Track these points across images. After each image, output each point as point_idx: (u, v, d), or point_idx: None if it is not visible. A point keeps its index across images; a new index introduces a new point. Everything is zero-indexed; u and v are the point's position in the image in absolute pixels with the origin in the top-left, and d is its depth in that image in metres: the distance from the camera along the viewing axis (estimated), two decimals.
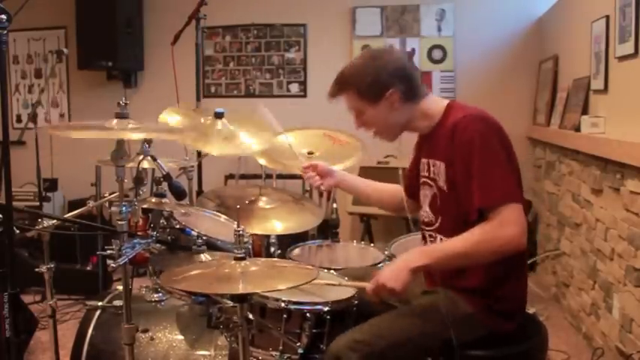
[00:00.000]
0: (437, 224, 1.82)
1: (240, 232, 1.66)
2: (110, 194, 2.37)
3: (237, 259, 1.66)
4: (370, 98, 1.78)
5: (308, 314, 1.83)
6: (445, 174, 1.75)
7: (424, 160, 1.87)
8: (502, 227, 1.60)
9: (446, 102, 1.82)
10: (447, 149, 1.73)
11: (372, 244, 2.77)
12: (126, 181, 1.79)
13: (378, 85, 1.76)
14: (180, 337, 2.13)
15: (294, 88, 5.03)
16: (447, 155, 1.73)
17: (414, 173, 2.02)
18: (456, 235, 1.68)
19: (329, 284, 1.96)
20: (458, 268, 1.73)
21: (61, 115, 5.31)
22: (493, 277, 1.73)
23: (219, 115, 2.40)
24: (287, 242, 2.62)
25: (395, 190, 2.20)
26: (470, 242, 1.63)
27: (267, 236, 2.56)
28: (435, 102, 1.83)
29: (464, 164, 1.67)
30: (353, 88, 1.80)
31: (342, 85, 1.83)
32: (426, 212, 1.86)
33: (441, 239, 1.80)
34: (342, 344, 1.65)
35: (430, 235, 1.86)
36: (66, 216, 2.22)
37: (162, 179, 1.98)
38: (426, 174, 1.85)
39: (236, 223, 1.72)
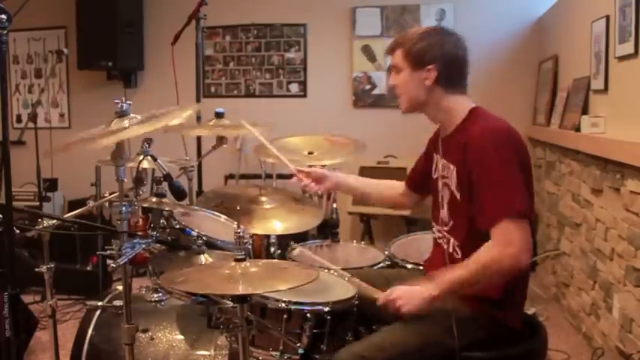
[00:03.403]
0: (450, 225, 1.84)
1: (240, 232, 1.66)
2: (110, 194, 2.37)
3: (237, 260, 1.66)
4: (412, 63, 1.81)
5: (308, 314, 1.83)
6: (456, 179, 1.77)
7: (440, 160, 1.89)
8: (505, 248, 1.62)
9: (471, 106, 1.82)
10: (459, 157, 1.75)
11: (372, 244, 2.77)
12: (126, 181, 1.79)
13: (424, 56, 1.79)
14: (181, 337, 2.13)
15: (294, 88, 5.03)
16: (459, 164, 1.76)
17: (421, 167, 2.06)
18: (468, 239, 1.73)
19: (343, 277, 1.97)
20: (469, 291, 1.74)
21: (61, 115, 5.31)
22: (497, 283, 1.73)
23: (219, 115, 2.40)
24: (287, 242, 2.62)
25: (394, 185, 2.23)
26: (475, 269, 1.66)
27: (267, 236, 2.57)
28: (462, 103, 1.82)
29: (478, 177, 1.69)
30: (404, 47, 1.83)
31: (398, 42, 1.87)
32: (443, 211, 1.87)
33: (453, 241, 1.81)
34: (345, 358, 1.66)
35: (443, 236, 1.87)
36: (66, 216, 2.22)
37: (162, 179, 1.98)
38: (442, 173, 1.87)
39: (236, 223, 1.71)
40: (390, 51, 1.89)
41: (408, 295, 1.70)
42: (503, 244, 1.62)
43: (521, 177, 1.67)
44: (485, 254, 1.65)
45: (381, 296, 1.76)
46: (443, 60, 1.79)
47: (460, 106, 1.82)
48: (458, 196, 1.77)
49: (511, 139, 1.72)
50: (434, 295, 1.67)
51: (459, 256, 1.77)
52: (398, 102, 1.89)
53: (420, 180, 2.08)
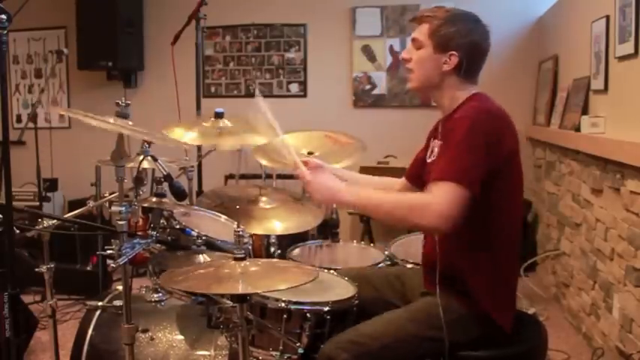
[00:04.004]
0: None
1: (240, 232, 1.66)
2: (110, 194, 2.37)
3: (237, 259, 1.66)
4: (435, 43, 1.76)
5: (308, 314, 1.83)
6: (438, 154, 1.78)
7: (438, 143, 1.86)
8: (438, 204, 1.58)
9: (472, 92, 1.79)
10: (444, 130, 1.75)
11: (372, 244, 2.77)
12: (126, 181, 1.79)
13: (450, 41, 1.74)
14: (180, 337, 2.13)
15: (294, 88, 5.03)
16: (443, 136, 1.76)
17: (420, 158, 2.03)
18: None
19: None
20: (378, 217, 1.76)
21: (61, 115, 5.30)
22: (489, 279, 1.72)
23: (219, 115, 2.40)
24: (287, 242, 2.62)
25: (390, 182, 2.20)
26: (399, 203, 1.67)
27: (267, 236, 2.56)
28: (468, 91, 1.80)
29: (444, 144, 1.70)
30: (431, 24, 1.77)
31: (427, 16, 1.80)
32: None
33: None
34: (334, 345, 1.65)
35: None
36: (66, 216, 2.22)
37: (162, 179, 1.98)
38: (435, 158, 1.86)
39: (236, 223, 1.71)
40: (417, 22, 1.81)
41: (322, 187, 1.73)
42: (437, 199, 1.59)
43: (481, 154, 1.62)
44: (419, 197, 1.65)
45: (300, 172, 1.78)
46: (467, 49, 1.74)
47: (465, 93, 1.79)
48: None
49: (492, 120, 1.68)
50: (345, 200, 1.72)
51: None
52: (408, 76, 1.85)
53: (419, 171, 2.05)
